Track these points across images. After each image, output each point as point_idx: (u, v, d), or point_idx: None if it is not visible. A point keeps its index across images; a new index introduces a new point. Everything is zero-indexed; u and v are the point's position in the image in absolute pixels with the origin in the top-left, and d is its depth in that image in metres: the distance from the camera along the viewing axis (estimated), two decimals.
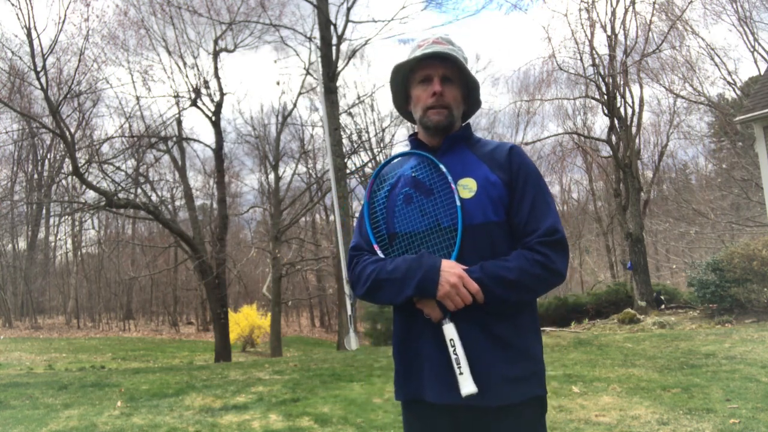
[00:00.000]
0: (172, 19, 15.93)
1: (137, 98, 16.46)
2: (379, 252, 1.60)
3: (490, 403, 1.43)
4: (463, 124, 1.68)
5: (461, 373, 1.40)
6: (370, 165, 24.20)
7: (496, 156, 1.58)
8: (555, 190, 30.25)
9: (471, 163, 1.58)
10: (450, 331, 1.43)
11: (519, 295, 1.45)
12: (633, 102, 15.98)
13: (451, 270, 1.43)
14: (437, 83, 1.58)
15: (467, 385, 1.39)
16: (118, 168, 15.87)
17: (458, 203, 1.50)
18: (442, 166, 1.55)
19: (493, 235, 1.50)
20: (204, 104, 16.46)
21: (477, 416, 1.46)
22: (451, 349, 1.42)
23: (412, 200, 1.58)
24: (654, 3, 15.75)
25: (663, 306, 13.71)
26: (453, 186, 1.52)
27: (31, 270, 28.84)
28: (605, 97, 15.64)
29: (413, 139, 1.69)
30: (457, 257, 1.48)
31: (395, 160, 1.75)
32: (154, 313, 33.95)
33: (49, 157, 29.68)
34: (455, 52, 1.59)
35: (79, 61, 13.45)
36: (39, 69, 12.08)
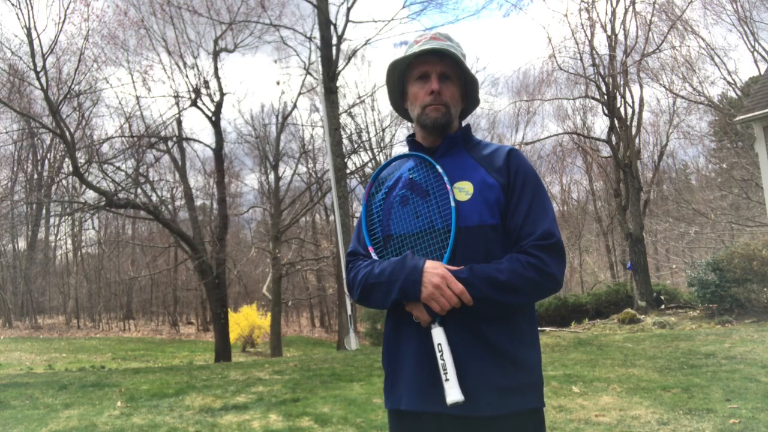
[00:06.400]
0: (172, 19, 15.95)
1: (137, 98, 16.49)
2: (374, 255, 1.57)
3: (478, 413, 1.37)
4: (463, 126, 1.65)
5: (447, 380, 1.33)
6: (370, 165, 24.20)
7: (495, 159, 1.54)
8: (555, 190, 30.27)
9: (468, 166, 1.54)
10: (438, 335, 1.37)
11: (510, 298, 1.39)
12: (633, 102, 15.98)
13: (434, 270, 1.38)
14: (435, 81, 1.54)
15: (453, 393, 1.32)
16: (118, 168, 15.89)
17: (453, 204, 1.46)
18: (439, 168, 1.52)
19: (488, 238, 1.46)
20: (204, 104, 16.48)
21: (465, 427, 1.40)
22: (438, 354, 1.36)
23: (408, 202, 1.55)
24: (654, 3, 15.75)
25: (663, 306, 13.71)
26: (449, 187, 1.49)
27: (31, 270, 28.83)
28: (605, 97, 15.63)
29: (411, 140, 1.66)
30: (449, 259, 1.44)
31: (393, 163, 1.71)
32: (154, 313, 33.95)
33: (49, 157, 29.72)
34: (453, 48, 1.55)
35: (79, 61, 13.48)
36: (39, 69, 12.10)
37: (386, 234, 1.57)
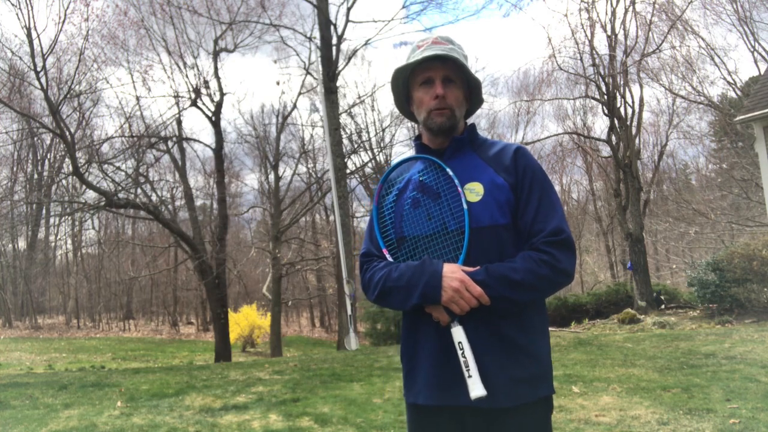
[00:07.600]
0: (172, 19, 15.95)
1: (137, 98, 16.48)
2: (388, 256, 1.61)
3: (498, 405, 1.44)
4: (468, 125, 1.68)
5: (470, 376, 1.40)
6: (370, 165, 24.19)
7: (502, 158, 1.58)
8: (555, 190, 30.29)
9: (477, 167, 1.58)
10: (458, 334, 1.43)
11: (525, 295, 1.45)
12: (633, 102, 15.97)
13: (452, 275, 1.43)
14: (439, 86, 1.58)
15: (476, 389, 1.39)
16: (118, 168, 15.88)
17: (465, 206, 1.50)
18: (449, 170, 1.56)
19: (501, 237, 1.51)
20: (204, 104, 16.48)
21: (484, 418, 1.47)
22: (459, 352, 1.42)
23: (420, 204, 1.59)
24: (654, 3, 15.74)
25: (663, 306, 13.71)
26: (460, 189, 1.52)
27: (31, 270, 28.82)
28: (605, 97, 15.62)
29: (418, 143, 1.69)
30: (464, 260, 1.49)
31: (402, 165, 1.74)
32: (154, 313, 33.95)
33: (49, 157, 29.71)
34: (455, 51, 1.59)
35: (79, 61, 13.48)
36: (39, 69, 12.09)
37: (399, 236, 1.61)
